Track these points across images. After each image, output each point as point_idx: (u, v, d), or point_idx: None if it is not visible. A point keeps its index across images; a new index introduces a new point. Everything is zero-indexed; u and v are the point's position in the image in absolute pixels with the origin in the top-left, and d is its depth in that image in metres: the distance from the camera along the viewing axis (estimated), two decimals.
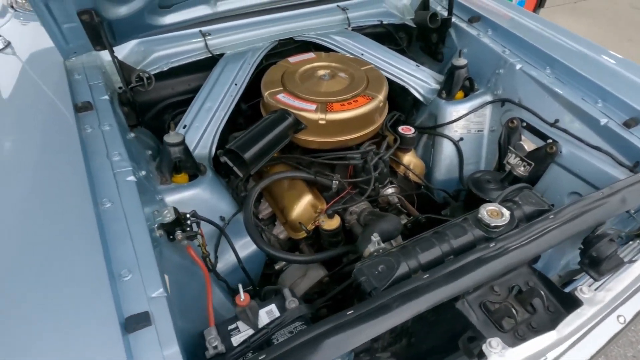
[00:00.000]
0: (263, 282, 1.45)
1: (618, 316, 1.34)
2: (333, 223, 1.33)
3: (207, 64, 1.64)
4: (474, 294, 1.01)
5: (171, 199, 1.27)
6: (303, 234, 1.41)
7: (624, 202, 1.11)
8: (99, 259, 0.88)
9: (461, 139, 1.71)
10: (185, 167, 1.30)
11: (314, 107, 1.39)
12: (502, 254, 0.96)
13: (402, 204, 1.48)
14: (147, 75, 1.37)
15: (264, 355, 0.80)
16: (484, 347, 0.86)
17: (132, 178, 1.10)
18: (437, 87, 1.77)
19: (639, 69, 1.51)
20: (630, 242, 1.19)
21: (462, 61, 1.65)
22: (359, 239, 1.16)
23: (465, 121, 1.70)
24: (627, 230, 1.21)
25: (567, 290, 1.05)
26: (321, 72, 1.53)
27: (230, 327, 1.03)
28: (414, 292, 0.88)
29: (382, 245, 1.08)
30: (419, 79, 1.78)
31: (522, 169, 1.44)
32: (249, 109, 1.73)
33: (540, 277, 1.05)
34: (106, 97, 1.34)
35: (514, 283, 1.04)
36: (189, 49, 1.62)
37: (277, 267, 1.42)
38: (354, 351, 0.92)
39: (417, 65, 1.82)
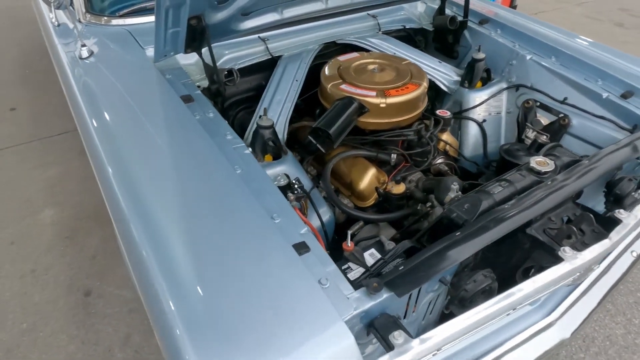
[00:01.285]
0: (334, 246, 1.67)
1: (631, 251, 1.66)
2: (400, 187, 1.58)
3: (266, 66, 1.88)
4: (537, 224, 1.28)
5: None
6: (370, 202, 1.66)
7: (636, 149, 1.42)
8: (258, 206, 1.09)
9: (484, 120, 2.02)
10: (273, 147, 1.52)
11: (374, 93, 1.65)
12: (556, 189, 1.24)
13: (450, 172, 1.75)
14: (236, 70, 1.59)
15: (402, 267, 1.03)
16: (559, 253, 1.12)
17: (248, 151, 1.32)
18: (458, 79, 2.07)
19: (620, 54, 1.88)
20: None
21: (480, 55, 1.97)
22: (437, 191, 1.42)
23: (486, 105, 2.01)
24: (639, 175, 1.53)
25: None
26: (371, 67, 1.80)
27: (343, 267, 1.25)
28: (502, 216, 1.14)
29: (460, 192, 1.34)
30: (443, 73, 2.08)
31: (543, 138, 1.74)
32: (302, 103, 1.97)
33: (584, 209, 1.33)
34: (199, 91, 1.55)
35: (564, 215, 1.32)
36: (252, 52, 1.85)
37: (350, 231, 1.65)
38: (461, 264, 1.15)
39: (439, 62, 2.13)
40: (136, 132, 1.32)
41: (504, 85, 2.02)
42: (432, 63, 2.10)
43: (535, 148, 1.76)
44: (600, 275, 1.52)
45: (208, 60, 1.62)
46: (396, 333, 0.92)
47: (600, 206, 1.58)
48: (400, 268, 1.03)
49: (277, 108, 1.71)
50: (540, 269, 1.19)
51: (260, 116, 1.50)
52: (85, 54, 1.73)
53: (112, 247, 2.50)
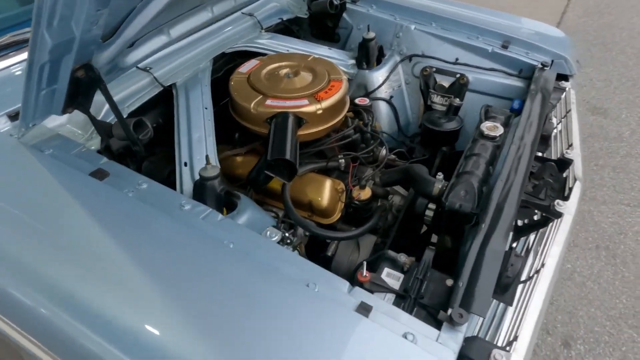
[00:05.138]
0: None
1: None
2: (367, 192, 1.49)
3: (158, 99, 1.54)
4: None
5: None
6: (337, 217, 1.53)
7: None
8: (291, 282, 0.88)
9: (391, 97, 2.04)
10: (228, 197, 1.26)
11: (306, 101, 1.49)
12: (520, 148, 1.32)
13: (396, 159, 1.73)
14: (152, 123, 1.23)
15: (448, 280, 0.96)
16: (556, 207, 1.19)
17: (221, 217, 1.07)
18: (353, 62, 2.04)
19: (486, 10, 2.09)
20: None
21: (371, 34, 1.95)
22: (418, 186, 1.37)
23: (389, 82, 2.03)
24: None
25: None
26: (283, 72, 1.62)
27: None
28: (507, 192, 1.16)
29: (445, 181, 1.32)
30: (338, 59, 2.01)
31: (457, 100, 1.84)
32: None
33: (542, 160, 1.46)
34: (105, 159, 1.18)
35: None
36: (138, 87, 1.47)
37: (329, 253, 1.51)
38: None
39: (329, 48, 2.05)
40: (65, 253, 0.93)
41: (397, 58, 2.06)
42: (324, 52, 2.01)
43: (453, 111, 1.85)
44: None
45: (80, 116, 1.23)
46: (495, 353, 0.87)
47: None
48: (461, 284, 0.96)
49: (201, 147, 1.42)
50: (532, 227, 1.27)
51: (205, 166, 1.22)
52: None
53: None
